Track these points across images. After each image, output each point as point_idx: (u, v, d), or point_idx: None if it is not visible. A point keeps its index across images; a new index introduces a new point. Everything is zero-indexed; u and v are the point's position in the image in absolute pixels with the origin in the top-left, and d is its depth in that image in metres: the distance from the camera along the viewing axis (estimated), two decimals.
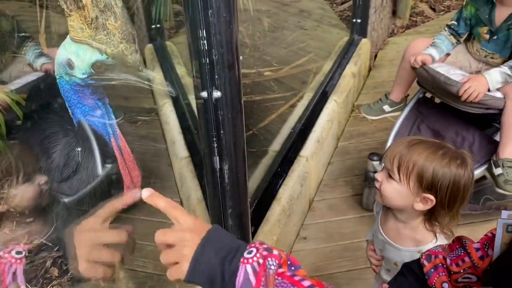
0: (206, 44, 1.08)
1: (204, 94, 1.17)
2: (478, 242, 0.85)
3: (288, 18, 3.99)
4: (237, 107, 1.26)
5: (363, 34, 2.98)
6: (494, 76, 1.61)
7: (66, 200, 1.78)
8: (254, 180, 1.94)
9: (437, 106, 1.88)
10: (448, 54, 1.86)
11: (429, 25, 3.81)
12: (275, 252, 0.65)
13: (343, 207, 2.10)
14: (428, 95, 1.92)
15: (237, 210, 1.44)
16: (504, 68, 1.62)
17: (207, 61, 1.11)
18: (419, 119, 1.89)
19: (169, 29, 3.74)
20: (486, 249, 0.82)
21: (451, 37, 1.86)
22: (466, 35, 1.89)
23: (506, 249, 0.68)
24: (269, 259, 0.63)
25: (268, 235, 1.66)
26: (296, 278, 0.62)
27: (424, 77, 1.78)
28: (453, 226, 1.18)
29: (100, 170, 1.94)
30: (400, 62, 2.06)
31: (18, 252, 0.72)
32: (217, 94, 1.17)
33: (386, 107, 2.38)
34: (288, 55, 3.37)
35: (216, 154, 1.27)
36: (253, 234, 1.65)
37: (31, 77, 1.86)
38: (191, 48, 1.16)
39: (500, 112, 1.66)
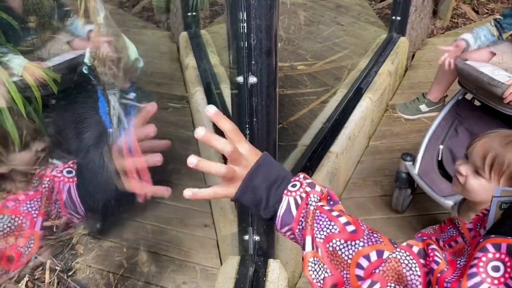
0: (245, 27, 1.06)
1: (240, 79, 1.15)
2: (470, 222, 0.82)
3: (324, 12, 3.93)
4: (272, 95, 1.24)
5: (402, 32, 2.90)
6: None
7: None
8: None
9: (476, 109, 1.81)
10: (494, 54, 1.78)
11: (470, 27, 3.67)
12: (318, 188, 0.68)
13: (370, 207, 2.06)
14: (468, 96, 1.85)
15: None
16: None
17: (245, 45, 1.09)
18: (457, 121, 1.82)
19: (204, 19, 3.75)
20: (478, 229, 0.79)
21: (494, 28, 1.77)
22: (510, 33, 1.80)
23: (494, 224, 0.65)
24: (312, 195, 0.66)
25: None
26: (334, 214, 0.64)
27: (466, 77, 1.71)
28: None
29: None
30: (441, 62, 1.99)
31: (68, 172, 0.74)
32: (253, 80, 1.14)
33: (423, 107, 2.31)
34: (322, 50, 3.31)
35: (248, 141, 1.25)
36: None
37: (70, 55, 1.89)
38: (230, 31, 1.14)
39: None
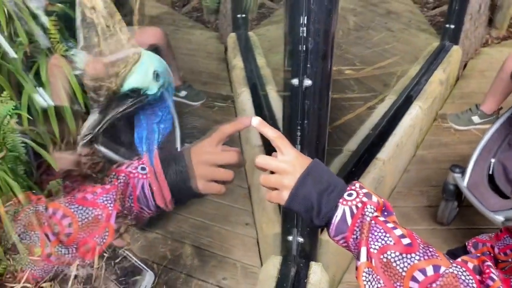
0: (305, 31, 1.08)
1: (295, 81, 1.17)
2: None
3: (374, 18, 3.88)
4: (325, 99, 1.26)
5: (455, 41, 2.83)
6: None
7: None
8: None
9: None
10: None
11: None
12: (374, 198, 0.69)
13: (415, 217, 2.02)
14: None
15: None
16: None
17: (303, 49, 1.11)
18: (511, 135, 1.76)
19: (251, 21, 3.79)
20: None
21: None
22: None
23: None
24: (368, 205, 0.67)
25: None
26: (389, 225, 0.65)
27: None
28: None
29: (179, 147, 2.02)
30: (497, 72, 1.93)
31: (142, 168, 0.78)
32: (307, 82, 1.16)
33: (475, 118, 2.24)
34: (371, 56, 3.28)
35: (298, 143, 1.26)
36: (322, 229, 1.64)
37: (128, 51, 1.97)
38: (288, 34, 1.17)
39: None
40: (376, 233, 0.64)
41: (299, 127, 1.24)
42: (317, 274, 1.50)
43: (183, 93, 2.48)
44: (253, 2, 3.06)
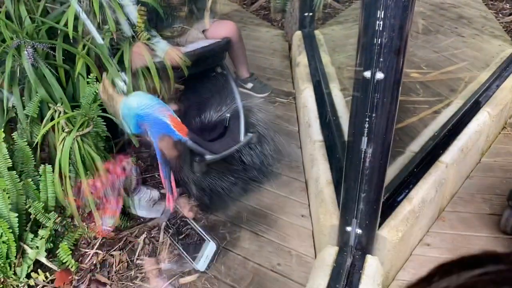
0: (381, 25, 1.11)
1: (367, 74, 1.21)
2: None
3: (444, 22, 3.78)
4: (395, 93, 1.28)
5: None
6: None
7: (209, 157, 1.97)
8: (387, 176, 1.93)
9: None
10: None
11: None
12: None
13: (475, 223, 1.97)
14: None
15: (371, 196, 1.46)
16: None
17: (378, 42, 1.14)
18: None
19: (317, 20, 3.82)
20: None
21: None
22: None
23: None
24: None
25: (394, 230, 1.65)
26: None
27: None
28: None
29: (242, 137, 2.11)
30: None
31: None
32: (380, 76, 1.20)
33: None
34: (438, 60, 3.21)
35: (365, 134, 1.30)
36: (379, 225, 1.65)
37: (203, 43, 2.09)
38: (362, 28, 1.21)
39: None
40: None
41: (367, 119, 1.27)
42: (372, 267, 1.53)
43: (249, 85, 2.57)
44: (320, 2, 3.09)
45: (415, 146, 2.10)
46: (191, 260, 1.78)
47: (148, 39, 1.89)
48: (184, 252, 1.81)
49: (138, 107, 1.42)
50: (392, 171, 1.98)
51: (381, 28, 1.12)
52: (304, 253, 1.89)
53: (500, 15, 3.84)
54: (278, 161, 2.43)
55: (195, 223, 1.90)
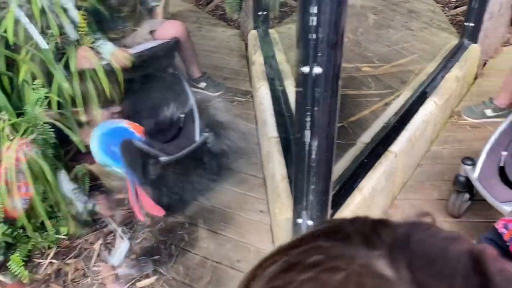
0: (315, 21, 1.15)
1: (306, 69, 1.24)
2: None
3: (394, 17, 3.90)
4: (335, 87, 1.32)
5: (474, 39, 2.84)
6: None
7: (163, 159, 1.96)
8: (339, 168, 1.98)
9: None
10: None
11: None
12: None
13: (426, 209, 2.05)
14: None
15: (320, 187, 1.49)
16: None
17: (313, 37, 1.17)
18: None
19: (273, 19, 3.86)
20: None
21: None
22: None
23: None
24: None
25: None
26: None
27: None
28: None
29: (197, 137, 2.11)
30: (511, 67, 1.95)
31: None
32: (318, 70, 1.23)
33: (489, 112, 2.26)
34: (390, 54, 3.31)
35: (308, 128, 1.33)
36: (331, 216, 1.69)
37: (151, 44, 2.07)
38: (300, 24, 1.24)
39: None
40: None
41: (308, 113, 1.31)
42: None
43: (202, 84, 2.58)
44: (273, 1, 3.13)
45: (366, 137, 2.17)
46: (110, 256, 1.78)
47: (93, 42, 1.86)
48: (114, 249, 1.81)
49: (96, 130, 1.44)
50: (344, 162, 2.03)
51: (315, 24, 1.15)
52: (263, 248, 1.91)
53: (447, 8, 3.99)
54: (236, 159, 2.44)
55: (112, 222, 1.89)
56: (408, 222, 0.33)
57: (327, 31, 1.19)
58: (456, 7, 3.93)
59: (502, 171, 1.76)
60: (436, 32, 3.57)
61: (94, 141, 1.70)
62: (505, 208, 1.61)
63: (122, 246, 1.75)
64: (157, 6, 2.19)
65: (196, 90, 2.47)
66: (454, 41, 3.01)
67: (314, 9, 1.12)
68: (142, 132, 1.89)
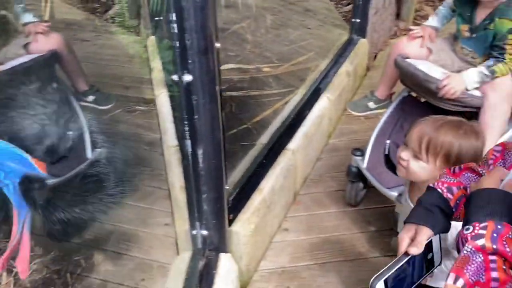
0: (176, 28, 1.11)
1: (175, 77, 1.20)
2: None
3: (292, 16, 4.01)
4: (212, 93, 1.30)
5: (362, 34, 2.99)
6: (471, 76, 1.62)
7: (51, 181, 1.81)
8: (239, 171, 1.97)
9: (420, 105, 1.89)
10: (431, 51, 1.86)
11: None
12: (480, 242, 0.69)
13: (326, 201, 2.12)
14: (414, 93, 1.93)
15: (212, 195, 1.47)
16: (482, 68, 1.62)
17: (178, 45, 1.14)
18: (403, 117, 1.90)
19: None
20: None
21: (453, 5, 1.83)
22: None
23: None
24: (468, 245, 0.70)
25: (246, 223, 1.69)
26: (491, 265, 0.68)
27: (405, 74, 1.79)
28: None
29: (89, 154, 1.99)
30: (386, 59, 2.07)
31: None
32: (188, 78, 1.20)
33: (371, 104, 2.40)
34: (289, 53, 3.38)
35: (187, 137, 1.30)
36: (231, 221, 1.68)
37: (23, 59, 1.92)
38: (165, 32, 1.20)
39: (478, 110, 1.67)
40: (476, 267, 0.68)
41: (186, 122, 1.27)
42: (226, 265, 1.54)
43: (90, 97, 2.45)
44: (158, 5, 3.06)
45: (265, 137, 2.19)
46: None
47: None
48: None
49: None
50: (244, 164, 2.03)
51: (177, 31, 1.12)
52: (167, 263, 1.84)
53: (340, 5, 4.18)
54: (139, 171, 2.35)
55: None
56: None
57: (194, 37, 1.16)
58: (348, 4, 4.12)
59: (387, 159, 1.86)
60: (331, 29, 3.72)
61: None
62: (392, 193, 1.70)
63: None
64: (33, 22, 2.03)
65: (84, 104, 2.33)
66: (346, 37, 3.15)
67: (173, 16, 1.09)
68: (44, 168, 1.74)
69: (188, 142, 1.30)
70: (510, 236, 0.69)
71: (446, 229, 0.90)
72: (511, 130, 1.79)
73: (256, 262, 1.84)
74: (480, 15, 1.64)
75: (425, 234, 0.84)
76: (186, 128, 1.28)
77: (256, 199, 1.79)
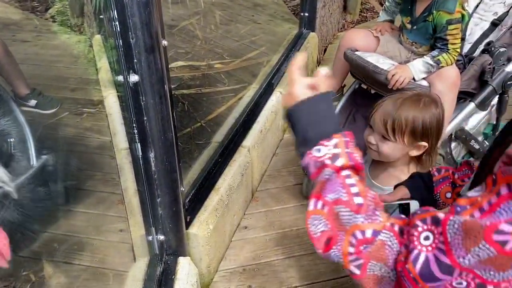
0: (118, 26, 1.05)
1: (120, 78, 1.15)
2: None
3: (241, 11, 3.98)
4: (162, 93, 1.25)
5: (311, 28, 3.01)
6: (417, 66, 1.67)
7: None
8: (195, 171, 1.93)
9: (372, 97, 1.92)
10: (378, 40, 1.88)
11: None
12: (339, 162, 0.71)
13: (284, 197, 2.12)
14: (365, 85, 1.96)
15: (167, 199, 1.42)
16: (427, 59, 1.67)
17: (121, 44, 1.08)
18: (355, 109, 1.93)
19: None
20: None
21: None
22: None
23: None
24: (326, 169, 0.72)
25: (204, 224, 1.65)
26: (348, 181, 0.69)
27: (355, 67, 1.82)
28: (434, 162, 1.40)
29: (34, 161, 1.88)
30: (335, 53, 2.09)
31: None
32: (134, 78, 1.14)
33: None
34: (239, 48, 3.36)
35: (137, 141, 1.25)
36: (189, 223, 1.64)
37: None
38: (108, 31, 1.14)
39: None
40: (334, 186, 0.69)
41: (134, 124, 1.22)
42: (184, 269, 1.50)
43: (32, 102, 2.32)
44: (101, 2, 2.95)
45: (220, 135, 2.16)
46: None
47: None
48: None
49: None
50: (200, 164, 1.99)
51: (119, 29, 1.06)
52: (124, 271, 1.78)
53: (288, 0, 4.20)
54: (90, 177, 2.25)
55: None
56: None
57: (138, 35, 1.11)
58: None
59: None
60: (281, 23, 3.73)
61: None
62: None
63: None
64: None
65: (26, 109, 2.20)
66: (296, 31, 3.16)
67: (114, 13, 1.03)
68: None
69: (138, 146, 1.25)
70: (352, 142, 0.75)
71: (427, 198, 1.03)
72: (457, 118, 1.86)
73: (217, 263, 1.81)
74: (419, 7, 1.69)
75: (401, 190, 1.02)
76: (135, 131, 1.22)
77: (214, 199, 1.76)
